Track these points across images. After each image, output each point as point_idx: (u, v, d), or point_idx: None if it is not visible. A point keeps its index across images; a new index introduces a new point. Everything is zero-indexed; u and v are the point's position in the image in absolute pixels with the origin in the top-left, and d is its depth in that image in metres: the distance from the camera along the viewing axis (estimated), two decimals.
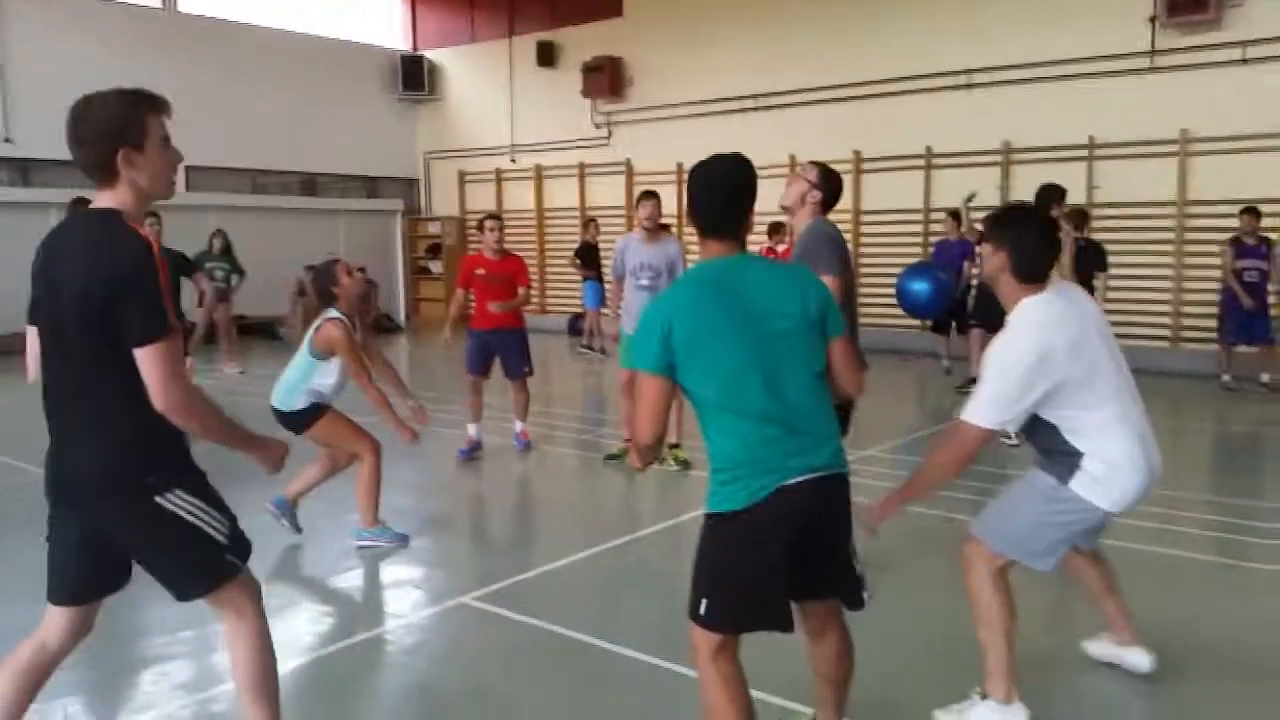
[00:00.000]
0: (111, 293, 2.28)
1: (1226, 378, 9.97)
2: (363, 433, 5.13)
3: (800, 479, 2.50)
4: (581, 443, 8.04)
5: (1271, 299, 9.87)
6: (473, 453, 7.22)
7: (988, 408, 2.96)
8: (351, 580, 4.83)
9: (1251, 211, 9.78)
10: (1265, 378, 9.86)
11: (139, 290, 2.29)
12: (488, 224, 7.34)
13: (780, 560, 2.52)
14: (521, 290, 7.31)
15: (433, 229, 18.69)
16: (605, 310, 13.65)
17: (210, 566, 2.53)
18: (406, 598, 4.64)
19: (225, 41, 16.11)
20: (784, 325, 2.52)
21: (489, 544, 5.70)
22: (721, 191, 2.63)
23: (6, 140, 13.76)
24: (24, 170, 14.20)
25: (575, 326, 15.74)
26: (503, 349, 7.27)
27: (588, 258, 13.86)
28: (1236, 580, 4.73)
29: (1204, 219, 11.21)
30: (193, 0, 16.04)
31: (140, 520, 2.44)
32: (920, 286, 8.45)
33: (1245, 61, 10.73)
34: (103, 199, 2.43)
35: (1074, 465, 3.00)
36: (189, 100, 15.64)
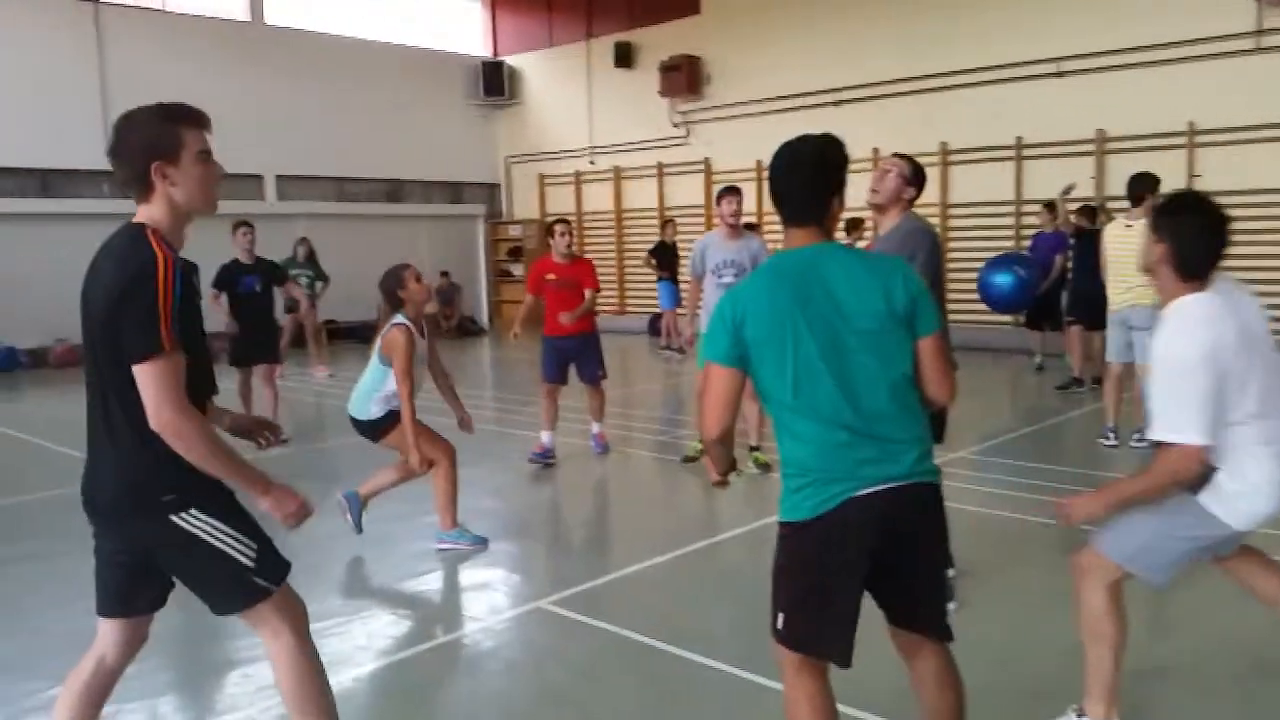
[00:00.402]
0: (115, 308, 2.26)
1: None
2: (438, 439, 5.14)
3: (874, 489, 2.30)
4: (660, 444, 7.96)
5: None
6: (545, 459, 7.12)
7: (1188, 417, 2.60)
8: (430, 583, 4.84)
9: None
10: None
11: (135, 306, 2.23)
12: (557, 229, 7.32)
13: (848, 580, 2.35)
14: (588, 294, 7.20)
15: (514, 232, 18.87)
16: (681, 310, 13.60)
17: (235, 588, 2.47)
18: (484, 601, 4.62)
19: (310, 52, 16.52)
20: (866, 323, 2.32)
21: (567, 548, 5.66)
22: (803, 174, 2.44)
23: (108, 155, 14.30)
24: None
25: (655, 327, 15.69)
26: (576, 354, 7.23)
27: (663, 258, 13.77)
28: None
29: None
30: (278, 12, 16.49)
31: (161, 538, 2.41)
32: (1002, 279, 8.14)
33: None
34: (140, 214, 2.40)
35: (1205, 479, 2.73)
36: (276, 111, 16.26)
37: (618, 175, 17.38)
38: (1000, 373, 11.08)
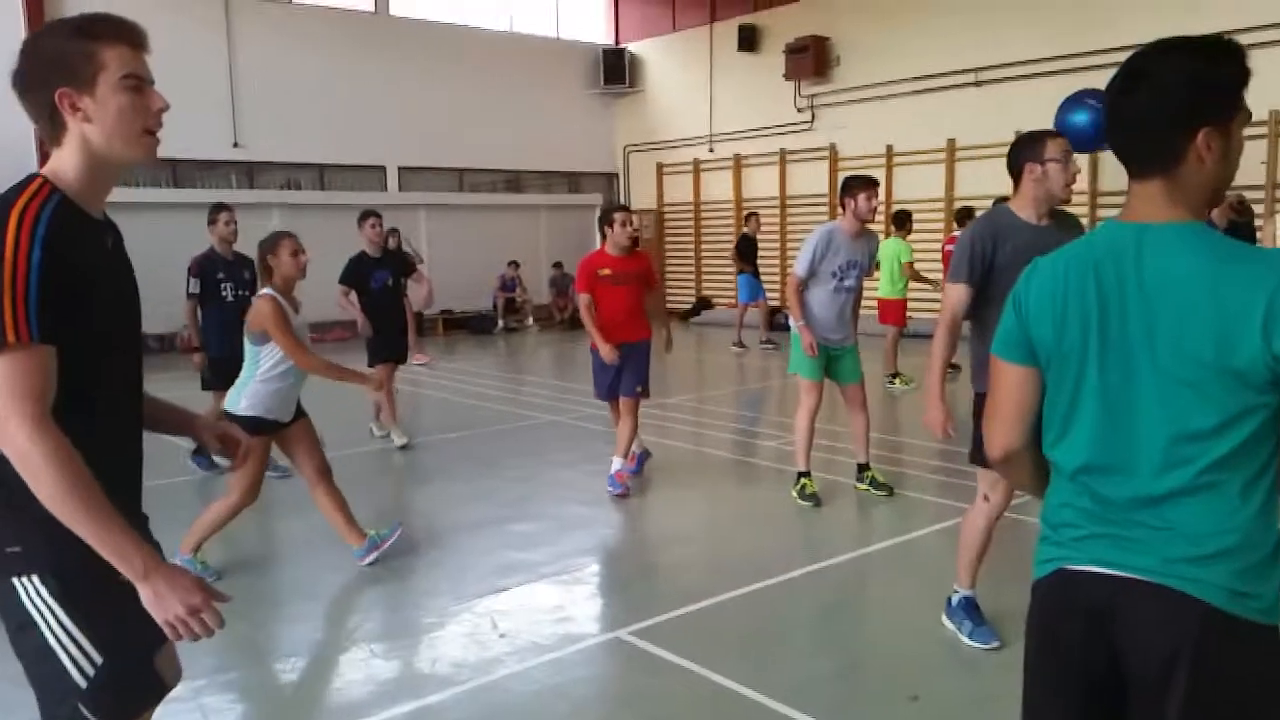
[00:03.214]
0: None
1: None
2: (259, 472, 4.57)
3: (1094, 569, 1.68)
4: (748, 448, 7.46)
5: None
6: (640, 468, 6.54)
7: None
8: (502, 603, 4.49)
9: None
10: None
11: None
12: (617, 217, 6.20)
13: (1056, 690, 1.75)
14: (654, 302, 6.42)
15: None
16: (757, 305, 13.01)
17: (51, 706, 1.78)
18: (558, 629, 4.23)
19: (432, 43, 16.55)
20: (1177, 367, 1.59)
21: (651, 570, 5.13)
22: (1141, 94, 1.64)
23: (235, 145, 14.68)
24: (249, 173, 15.13)
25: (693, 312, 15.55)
26: (625, 364, 6.15)
27: (746, 251, 13.16)
28: None
29: None
30: (402, 4, 16.59)
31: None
32: (1080, 118, 6.99)
33: None
34: (49, 163, 1.80)
35: None
36: (399, 102, 16.37)
37: (738, 163, 16.81)
38: None
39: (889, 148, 14.33)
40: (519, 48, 17.62)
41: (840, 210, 5.88)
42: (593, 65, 18.39)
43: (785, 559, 4.88)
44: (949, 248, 8.55)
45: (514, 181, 18.00)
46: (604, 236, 6.22)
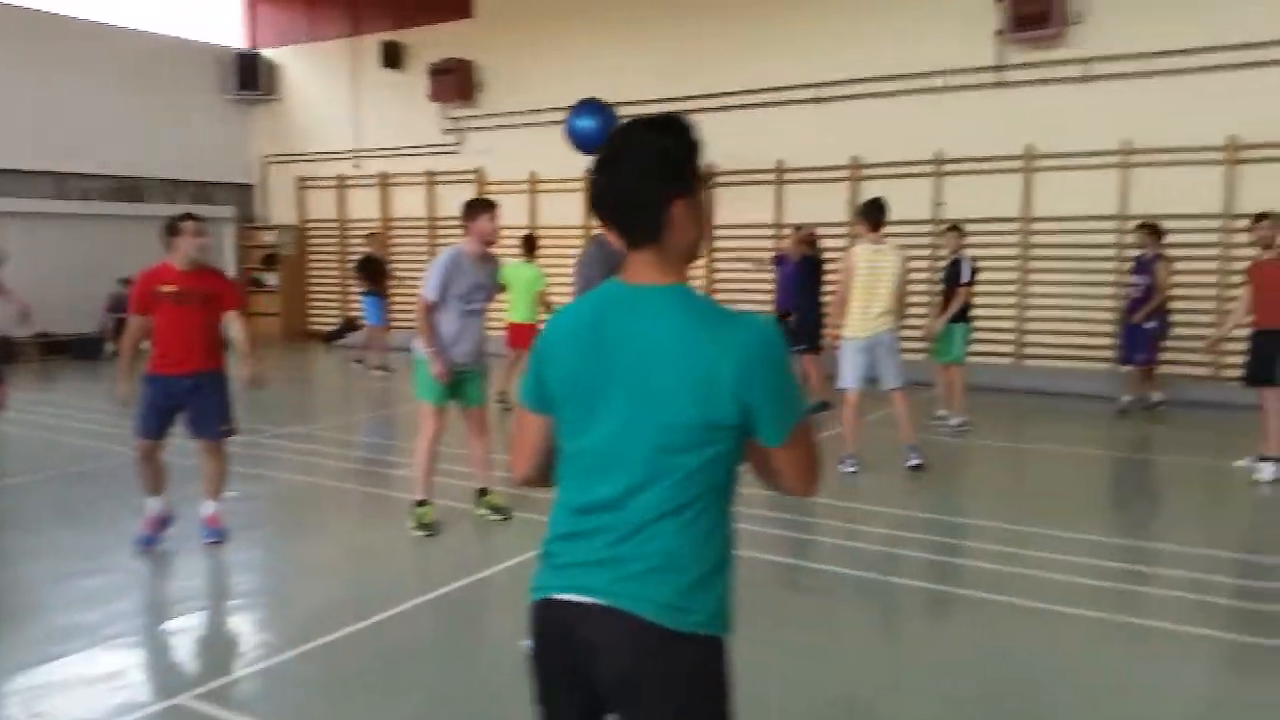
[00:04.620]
0: None
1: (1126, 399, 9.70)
2: None
3: (567, 597, 1.80)
4: (359, 475, 7.27)
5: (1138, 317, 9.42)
6: (159, 534, 5.46)
7: None
8: (48, 675, 3.95)
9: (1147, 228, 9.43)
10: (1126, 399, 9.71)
11: None
12: (185, 225, 5.29)
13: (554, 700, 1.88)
14: (236, 323, 5.51)
15: (268, 238, 17.46)
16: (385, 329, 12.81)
17: None
18: (110, 700, 3.73)
19: (36, 33, 14.65)
20: (657, 415, 1.74)
21: (234, 624, 4.69)
22: (623, 176, 1.78)
23: None
24: None
25: (335, 336, 15.44)
26: (192, 399, 5.36)
27: (370, 272, 13.00)
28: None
29: (1046, 235, 11.27)
30: None
31: None
32: (586, 124, 7.51)
33: (1087, 79, 10.77)
34: None
35: None
36: None
37: (384, 181, 16.41)
38: None
39: (533, 174, 14.65)
40: (138, 44, 16.03)
41: (464, 233, 5.84)
42: (225, 69, 17.15)
43: (390, 595, 4.73)
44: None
45: (131, 189, 16.28)
46: (169, 248, 5.35)
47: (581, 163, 14.12)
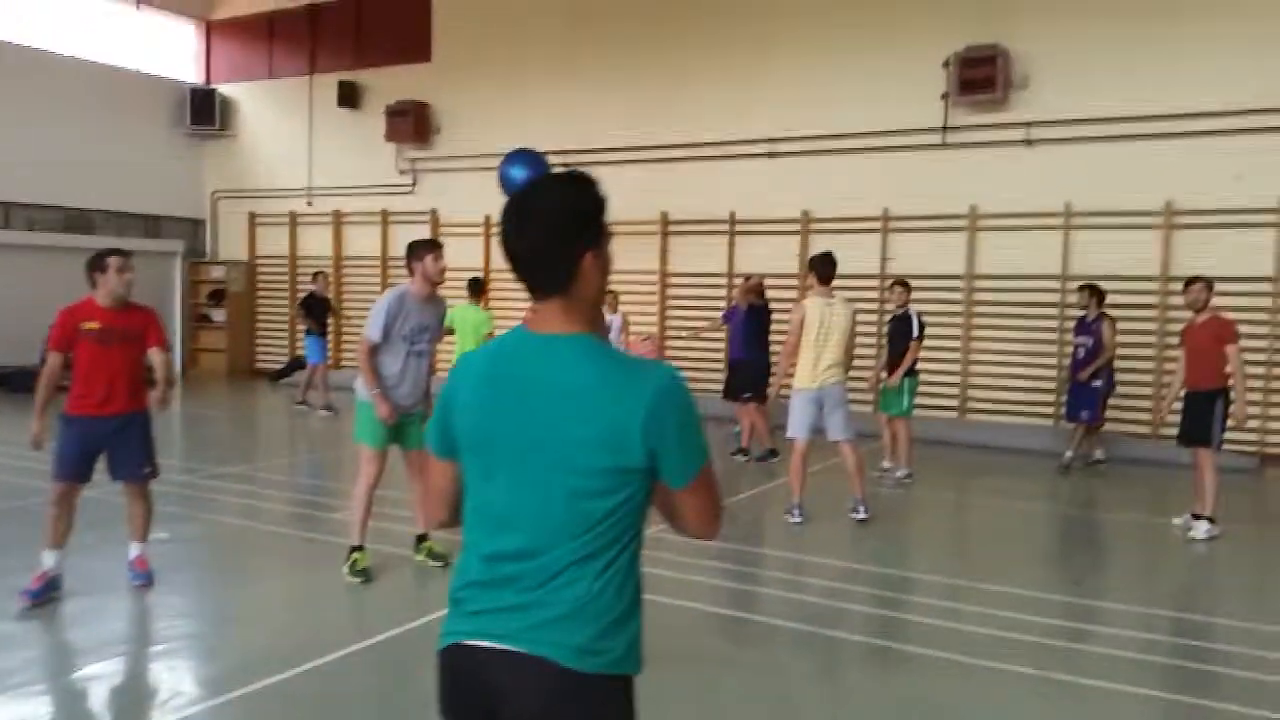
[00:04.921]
0: None
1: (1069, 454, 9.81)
2: None
3: (476, 642, 1.81)
4: (296, 518, 7.10)
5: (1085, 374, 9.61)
6: (47, 593, 5.04)
7: None
8: None
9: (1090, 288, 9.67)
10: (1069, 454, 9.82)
11: None
12: (111, 261, 5.11)
13: None
14: (158, 358, 5.32)
15: (217, 273, 17.23)
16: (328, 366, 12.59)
17: None
18: None
19: None
20: (566, 459, 1.77)
21: (151, 674, 4.52)
22: (535, 230, 1.83)
23: None
24: None
25: (281, 375, 15.39)
26: (115, 441, 5.18)
27: (314, 311, 12.94)
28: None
29: (990, 293, 11.49)
30: None
31: None
32: (517, 172, 7.59)
33: (1030, 143, 11.07)
34: None
35: None
36: None
37: (338, 219, 16.31)
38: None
39: (487, 217, 14.64)
40: (91, 76, 15.83)
41: (409, 273, 5.79)
42: (178, 104, 17.01)
43: (320, 643, 4.59)
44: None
45: (79, 221, 15.98)
46: (94, 284, 5.14)
47: None
